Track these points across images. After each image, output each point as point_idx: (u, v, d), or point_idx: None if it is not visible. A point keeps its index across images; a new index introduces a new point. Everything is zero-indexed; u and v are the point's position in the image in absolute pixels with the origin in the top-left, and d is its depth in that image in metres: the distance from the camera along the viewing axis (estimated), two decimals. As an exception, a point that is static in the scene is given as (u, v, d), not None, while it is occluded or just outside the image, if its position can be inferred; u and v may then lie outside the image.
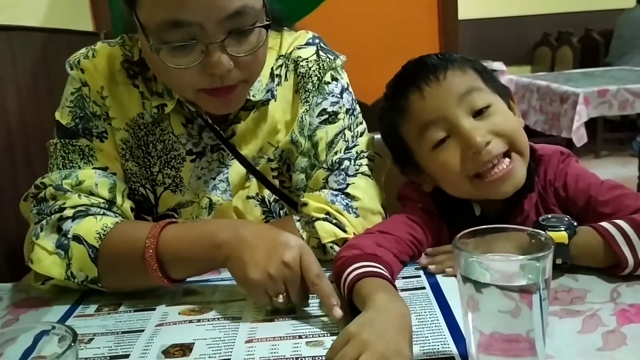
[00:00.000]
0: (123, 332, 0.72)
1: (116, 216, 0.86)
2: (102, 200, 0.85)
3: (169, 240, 0.77)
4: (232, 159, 0.94)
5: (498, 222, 0.84)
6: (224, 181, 0.93)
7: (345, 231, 0.86)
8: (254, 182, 0.95)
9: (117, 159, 0.90)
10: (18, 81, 1.29)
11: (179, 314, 0.76)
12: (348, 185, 0.90)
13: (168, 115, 0.91)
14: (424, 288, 0.78)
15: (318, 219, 0.87)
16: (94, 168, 0.87)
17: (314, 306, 0.75)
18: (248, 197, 0.95)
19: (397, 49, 1.98)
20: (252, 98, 0.91)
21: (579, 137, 2.90)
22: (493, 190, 0.82)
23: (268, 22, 0.81)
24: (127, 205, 0.89)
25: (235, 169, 0.94)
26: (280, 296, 0.73)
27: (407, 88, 0.85)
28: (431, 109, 0.82)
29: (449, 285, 0.78)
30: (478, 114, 0.82)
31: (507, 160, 0.81)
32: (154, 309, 0.78)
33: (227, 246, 0.75)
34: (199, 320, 0.74)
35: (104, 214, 0.84)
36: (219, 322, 0.73)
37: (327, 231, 0.86)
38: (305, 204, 0.89)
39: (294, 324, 0.71)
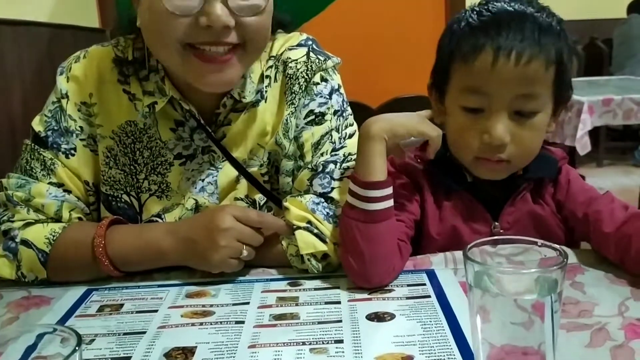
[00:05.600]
0: (125, 334, 0.71)
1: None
2: (48, 216, 0.89)
3: (117, 245, 0.84)
4: (223, 161, 0.93)
5: (490, 193, 0.89)
6: (212, 184, 0.93)
7: (325, 242, 0.85)
8: (243, 183, 0.94)
9: (78, 176, 0.91)
10: (23, 75, 1.28)
11: (181, 316, 0.75)
12: (333, 189, 0.89)
13: (156, 122, 0.91)
14: (429, 296, 0.77)
15: (299, 227, 0.86)
16: (49, 182, 0.89)
17: (318, 313, 0.74)
18: (236, 199, 0.94)
19: (402, 54, 1.97)
20: (242, 99, 0.91)
21: (583, 145, 2.89)
22: (484, 174, 0.88)
23: None
24: (75, 217, 0.91)
25: (225, 172, 0.94)
26: (244, 251, 0.82)
27: (488, 40, 0.80)
28: (491, 82, 0.81)
29: (455, 294, 0.77)
30: (519, 114, 0.82)
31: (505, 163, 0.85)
32: (156, 311, 0.77)
33: (172, 252, 0.84)
34: (201, 324, 0.73)
35: (49, 222, 0.89)
36: (221, 326, 0.72)
37: (306, 242, 0.85)
38: (287, 209, 0.88)
39: (298, 330, 0.70)
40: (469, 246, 0.54)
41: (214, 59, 0.80)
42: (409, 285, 0.81)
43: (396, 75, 2.03)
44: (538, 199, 0.91)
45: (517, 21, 0.81)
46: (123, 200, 0.93)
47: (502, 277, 0.51)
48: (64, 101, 0.91)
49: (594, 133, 3.30)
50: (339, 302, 0.77)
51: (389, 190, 0.81)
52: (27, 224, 0.87)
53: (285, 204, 0.89)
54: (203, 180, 0.93)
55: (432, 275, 0.83)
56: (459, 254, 0.87)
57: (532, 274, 0.50)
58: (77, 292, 0.84)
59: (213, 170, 0.94)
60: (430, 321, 0.70)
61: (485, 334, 0.52)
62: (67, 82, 0.91)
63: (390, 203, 0.81)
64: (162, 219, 0.93)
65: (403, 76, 1.97)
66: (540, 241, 0.54)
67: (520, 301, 0.50)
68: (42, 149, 0.90)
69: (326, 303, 0.77)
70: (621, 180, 3.74)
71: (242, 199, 0.95)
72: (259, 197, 0.95)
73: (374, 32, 1.95)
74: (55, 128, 0.91)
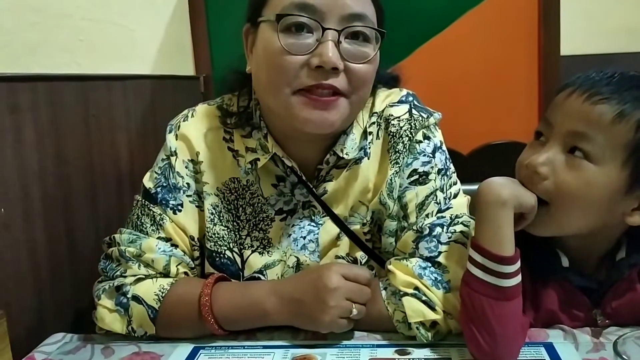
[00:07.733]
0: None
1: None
2: (158, 271, 0.91)
3: (222, 304, 0.85)
4: (324, 217, 0.93)
5: (590, 278, 0.82)
6: (313, 241, 0.93)
7: (434, 310, 0.82)
8: (344, 241, 0.94)
9: (184, 231, 0.93)
10: (130, 126, 1.34)
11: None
12: (440, 253, 0.85)
13: (258, 178, 0.92)
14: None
15: (406, 293, 0.83)
16: (158, 237, 0.92)
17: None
18: (337, 257, 0.93)
19: (492, 97, 1.92)
20: (345, 156, 0.91)
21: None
22: None
23: (382, 32, 0.85)
24: (182, 271, 0.92)
25: (326, 229, 0.93)
26: (354, 310, 0.81)
27: (584, 81, 0.78)
28: (556, 112, 0.79)
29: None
30: (573, 153, 0.76)
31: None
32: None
33: (277, 313, 0.84)
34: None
35: (158, 277, 0.91)
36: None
37: (415, 310, 0.82)
38: (391, 273, 0.86)
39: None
40: (618, 339, 0.49)
41: (319, 99, 0.81)
42: (527, 361, 0.76)
43: (484, 119, 1.97)
44: None
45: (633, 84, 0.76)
46: (226, 256, 0.94)
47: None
48: (172, 158, 0.94)
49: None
50: (452, 377, 0.73)
51: (519, 264, 0.75)
52: (138, 280, 0.90)
53: (390, 267, 0.87)
54: (304, 237, 0.93)
55: (550, 349, 0.78)
56: (577, 331, 0.82)
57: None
58: (185, 349, 0.85)
59: (314, 226, 0.93)
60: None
61: None
62: (176, 139, 0.95)
63: (520, 277, 0.75)
64: (263, 275, 0.93)
65: (493, 120, 1.91)
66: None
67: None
68: (151, 205, 0.93)
69: (439, 377, 0.74)
70: None
71: (343, 257, 0.94)
72: (361, 255, 0.94)
73: (463, 73, 1.91)
74: (164, 184, 0.94)
